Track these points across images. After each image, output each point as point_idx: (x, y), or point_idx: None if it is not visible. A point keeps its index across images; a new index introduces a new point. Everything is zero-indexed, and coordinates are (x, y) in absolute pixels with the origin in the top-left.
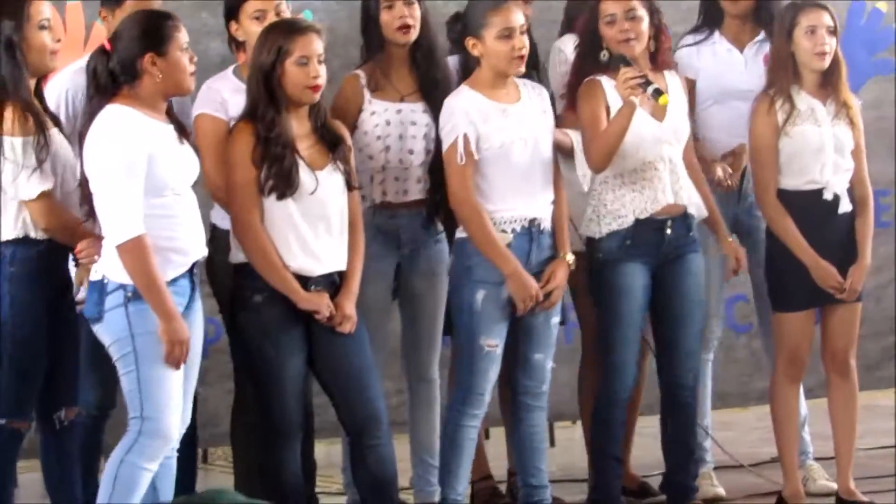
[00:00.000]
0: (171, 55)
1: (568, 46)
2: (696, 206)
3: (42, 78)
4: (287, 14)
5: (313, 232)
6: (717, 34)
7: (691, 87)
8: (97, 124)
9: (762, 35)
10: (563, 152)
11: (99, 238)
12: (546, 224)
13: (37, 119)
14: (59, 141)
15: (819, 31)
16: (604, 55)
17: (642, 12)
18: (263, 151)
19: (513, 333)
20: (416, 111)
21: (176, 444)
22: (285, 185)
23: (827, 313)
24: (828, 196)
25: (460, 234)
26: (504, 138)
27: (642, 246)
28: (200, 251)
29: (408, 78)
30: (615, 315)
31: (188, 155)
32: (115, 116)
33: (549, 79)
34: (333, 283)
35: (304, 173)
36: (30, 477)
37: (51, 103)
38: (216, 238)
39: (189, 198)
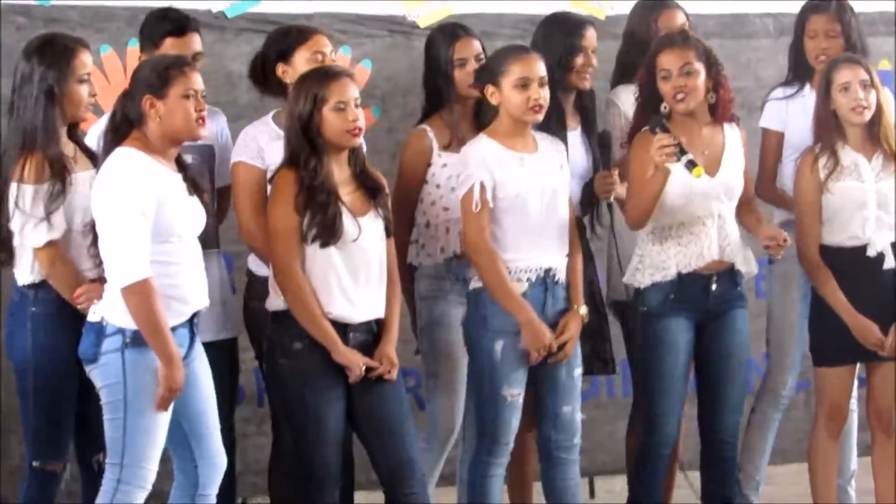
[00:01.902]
0: (171, 99)
1: (621, 98)
2: (743, 262)
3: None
4: (338, 60)
5: (353, 279)
6: (807, 87)
7: (778, 139)
8: (106, 166)
9: None
10: (622, 204)
11: (99, 283)
12: (561, 276)
13: (58, 167)
14: (84, 188)
15: (853, 87)
16: (664, 107)
17: (698, 66)
18: (307, 199)
19: (536, 387)
20: None
21: (214, 490)
22: (329, 233)
23: (871, 371)
24: (871, 253)
25: (475, 284)
26: (520, 187)
27: (687, 301)
28: (202, 301)
29: (473, 132)
30: (659, 368)
31: (196, 206)
32: (125, 159)
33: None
34: (371, 331)
35: (347, 221)
36: None
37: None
38: (252, 285)
39: (194, 247)
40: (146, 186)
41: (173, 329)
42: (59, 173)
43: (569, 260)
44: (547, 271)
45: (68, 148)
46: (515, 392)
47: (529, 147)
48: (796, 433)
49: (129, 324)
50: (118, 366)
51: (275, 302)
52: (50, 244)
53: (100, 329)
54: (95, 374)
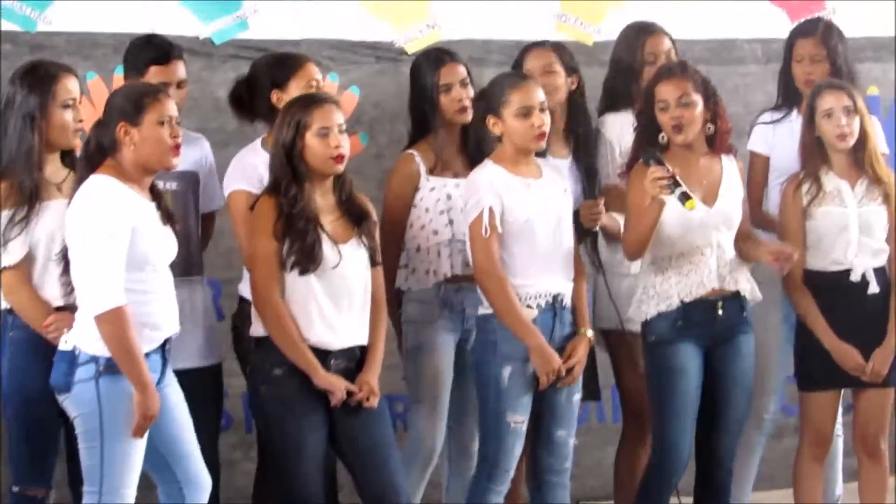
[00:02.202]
0: (145, 126)
1: (608, 126)
2: (747, 290)
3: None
4: (326, 87)
5: (335, 306)
6: (794, 112)
7: (765, 163)
8: (80, 194)
9: None
10: (608, 235)
11: (69, 311)
12: (567, 300)
13: (27, 193)
14: (53, 213)
15: (836, 114)
16: (662, 137)
17: (696, 97)
18: (286, 226)
19: (535, 410)
20: None
21: None
22: (308, 260)
23: (857, 396)
24: (854, 277)
25: (483, 310)
26: (529, 212)
27: (694, 326)
28: (173, 327)
29: (459, 156)
30: (670, 394)
31: (168, 235)
32: (98, 187)
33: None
34: (354, 357)
35: (326, 248)
36: None
37: None
38: (243, 309)
39: (166, 275)
40: (120, 214)
41: (147, 355)
42: (26, 199)
43: (574, 284)
44: (555, 297)
45: (58, 174)
46: (520, 419)
47: (534, 173)
48: (787, 458)
49: (102, 351)
50: (93, 394)
51: (256, 328)
52: (8, 270)
53: (72, 358)
54: (69, 403)
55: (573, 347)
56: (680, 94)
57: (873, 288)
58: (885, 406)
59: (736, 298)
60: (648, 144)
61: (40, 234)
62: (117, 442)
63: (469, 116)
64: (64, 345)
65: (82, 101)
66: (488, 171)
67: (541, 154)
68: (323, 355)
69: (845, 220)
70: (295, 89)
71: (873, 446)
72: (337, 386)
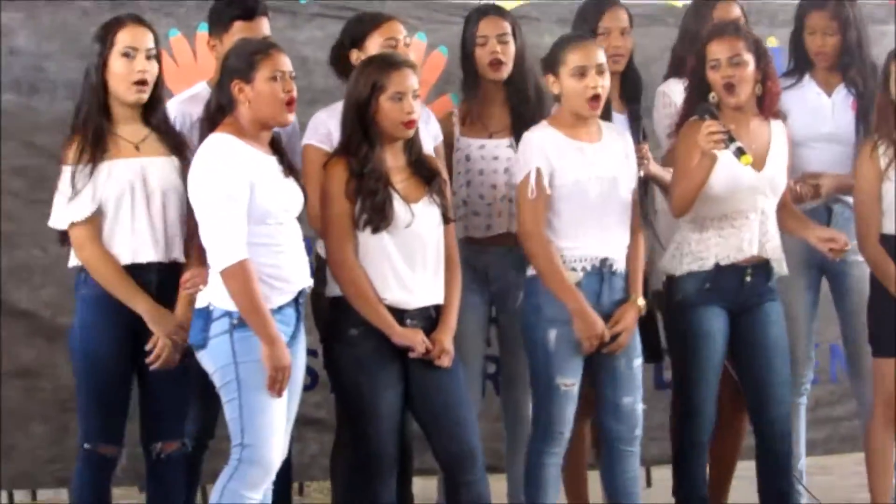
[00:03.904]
0: (258, 82)
1: (673, 90)
2: (778, 261)
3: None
4: (413, 47)
5: (409, 266)
6: (807, 78)
7: None
8: (199, 153)
9: None
10: (664, 189)
11: (205, 268)
12: (619, 266)
13: (92, 149)
14: (124, 170)
15: None
16: (712, 97)
17: (748, 57)
18: (357, 186)
19: (595, 378)
20: (499, 146)
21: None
22: (379, 218)
23: None
24: None
25: (530, 272)
26: (579, 175)
27: (721, 291)
28: (305, 280)
29: (500, 115)
30: (694, 358)
31: (292, 187)
32: (216, 145)
33: (654, 121)
34: (430, 318)
35: (398, 206)
36: None
37: None
38: (320, 269)
39: (293, 228)
40: (236, 170)
41: (280, 308)
42: (90, 154)
43: (630, 250)
44: (603, 261)
45: (137, 133)
46: (570, 382)
47: (593, 136)
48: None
49: (235, 306)
50: (227, 348)
51: (332, 288)
52: (78, 226)
53: (207, 314)
54: (206, 359)
55: (621, 314)
56: (732, 54)
57: None
58: None
59: (764, 267)
60: (698, 103)
61: (110, 192)
62: (255, 395)
63: (504, 73)
64: (200, 302)
65: (162, 57)
66: (540, 132)
67: (607, 115)
68: (398, 315)
69: None
70: (372, 48)
71: None
72: (416, 340)
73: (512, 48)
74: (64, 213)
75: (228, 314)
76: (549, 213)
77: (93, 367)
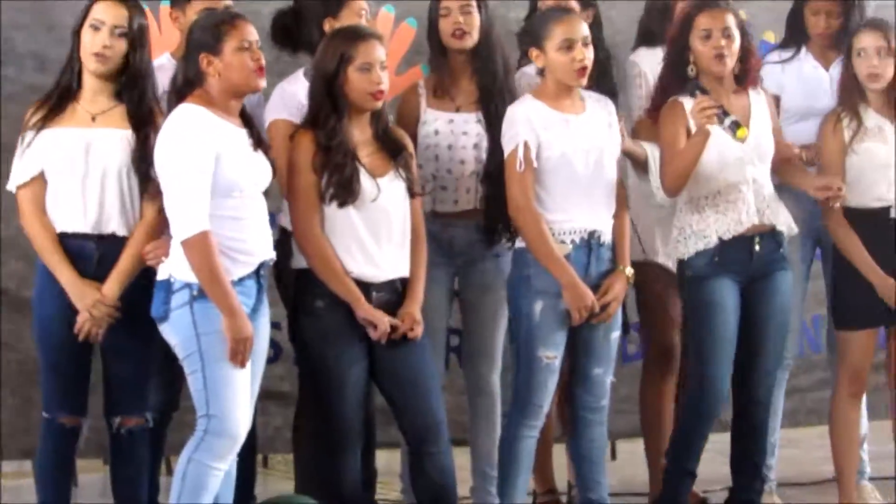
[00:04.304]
0: (226, 54)
1: (643, 60)
2: (785, 224)
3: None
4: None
5: (375, 239)
6: (803, 51)
7: (776, 103)
8: (166, 124)
9: None
10: (636, 162)
11: (167, 239)
12: (606, 237)
13: (51, 113)
14: (70, 138)
15: (868, 53)
16: (691, 69)
17: (736, 32)
18: (324, 159)
19: (572, 348)
20: (468, 121)
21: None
22: (346, 193)
23: (894, 334)
24: (895, 214)
25: (519, 244)
26: (565, 147)
27: (731, 263)
28: (267, 253)
29: (467, 88)
30: (708, 329)
31: (260, 161)
32: (183, 115)
33: (626, 93)
34: (396, 291)
35: (365, 181)
36: (89, 478)
37: None
38: (284, 242)
39: (258, 201)
40: (202, 141)
41: (241, 280)
42: (42, 120)
43: (615, 220)
44: (591, 233)
45: (97, 104)
46: (552, 355)
47: (577, 108)
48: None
49: (195, 278)
50: (188, 320)
51: (297, 260)
52: (20, 189)
53: (168, 286)
54: (168, 331)
55: (609, 284)
56: (724, 25)
57: None
58: None
59: (773, 235)
60: (675, 76)
61: (53, 158)
62: (217, 367)
63: (468, 42)
64: (161, 274)
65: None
66: (526, 105)
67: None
68: (364, 288)
69: (888, 157)
70: (347, 18)
71: None
72: (380, 319)
73: (476, 18)
74: (13, 176)
75: (189, 286)
76: (537, 186)
77: (48, 335)
